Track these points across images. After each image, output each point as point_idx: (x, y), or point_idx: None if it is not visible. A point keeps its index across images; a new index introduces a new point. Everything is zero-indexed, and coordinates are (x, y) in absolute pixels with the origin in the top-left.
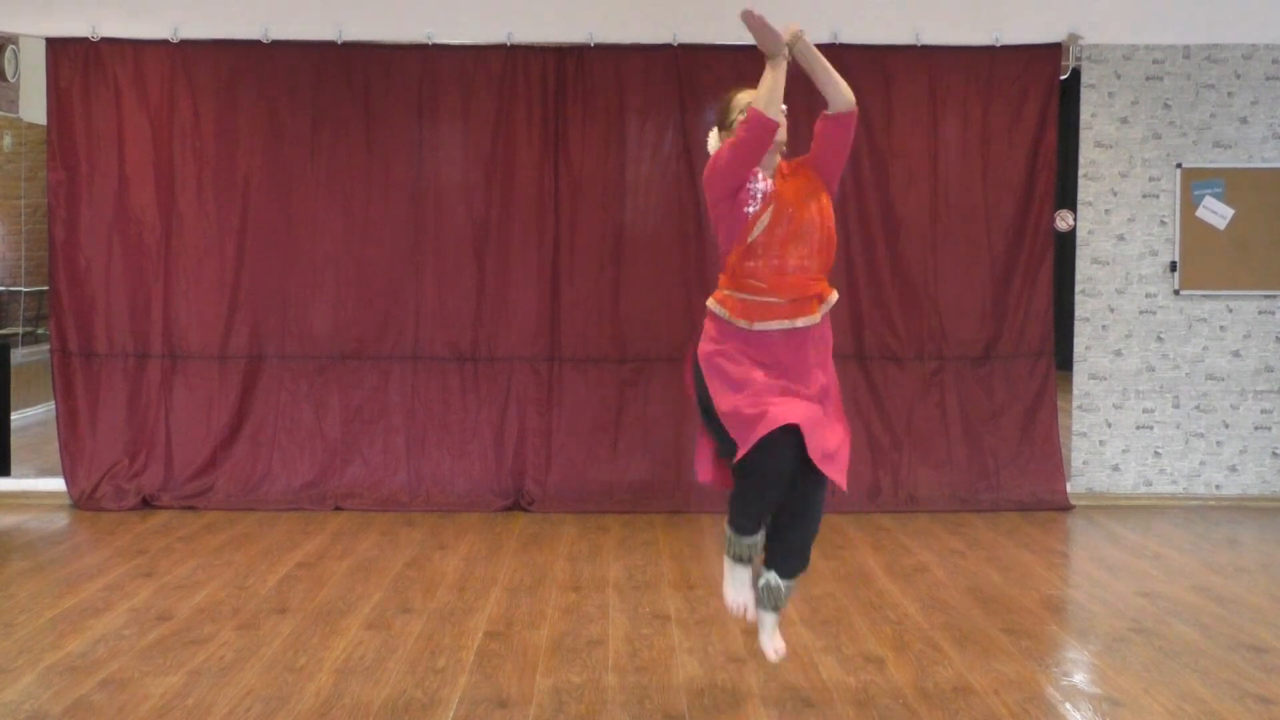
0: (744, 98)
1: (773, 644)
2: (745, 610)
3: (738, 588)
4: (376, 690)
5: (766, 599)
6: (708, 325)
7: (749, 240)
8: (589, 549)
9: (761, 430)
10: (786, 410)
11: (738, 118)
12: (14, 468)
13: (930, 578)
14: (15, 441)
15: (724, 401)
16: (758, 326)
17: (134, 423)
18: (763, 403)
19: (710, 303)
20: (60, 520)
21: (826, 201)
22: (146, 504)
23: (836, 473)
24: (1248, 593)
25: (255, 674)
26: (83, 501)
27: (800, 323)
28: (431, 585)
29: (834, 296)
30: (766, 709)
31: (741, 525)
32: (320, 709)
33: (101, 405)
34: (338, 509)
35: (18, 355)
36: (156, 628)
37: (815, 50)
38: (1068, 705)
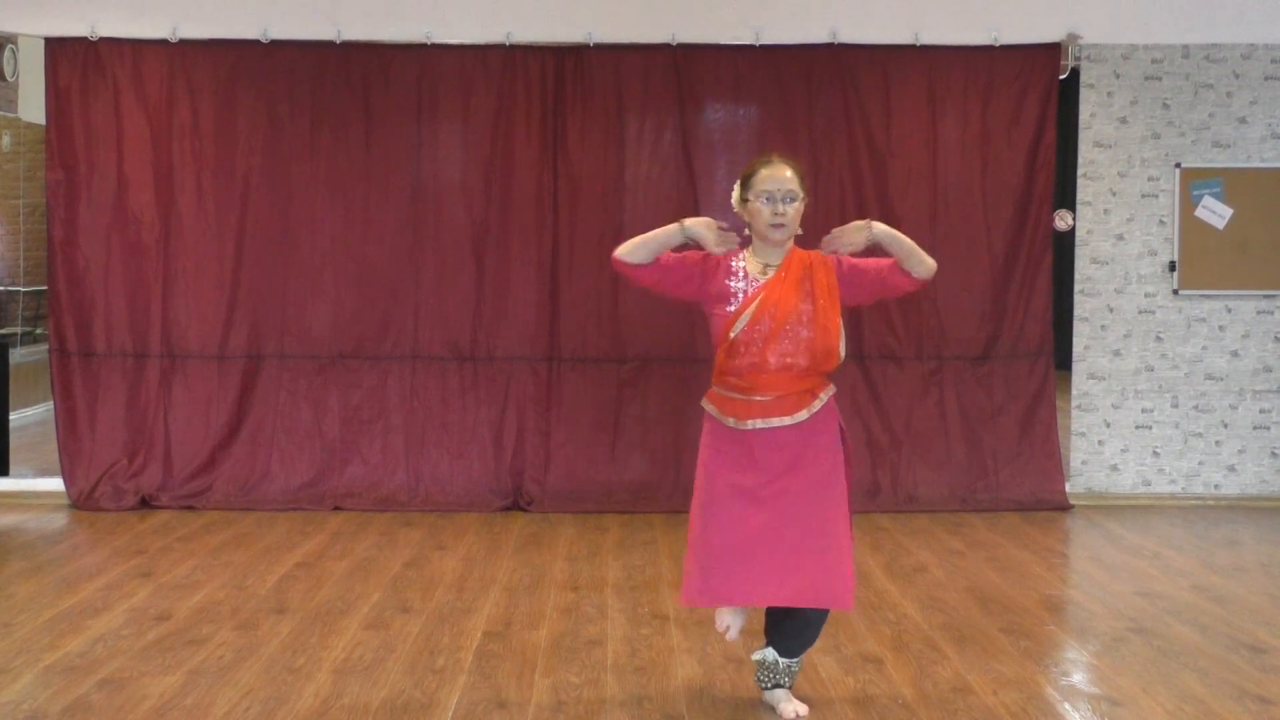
0: (764, 174)
1: (791, 708)
2: (727, 630)
3: (732, 612)
4: (375, 690)
5: (767, 676)
6: (705, 423)
7: (730, 338)
8: (588, 549)
9: (698, 600)
10: (725, 582)
11: (748, 197)
12: (12, 467)
13: (929, 578)
14: (14, 441)
15: (695, 519)
16: (747, 425)
17: (133, 422)
18: (715, 553)
19: (703, 401)
20: (59, 520)
21: (826, 302)
22: (145, 504)
23: (834, 600)
24: (1247, 592)
25: (254, 674)
26: (81, 501)
27: (787, 420)
28: (430, 585)
29: (826, 393)
30: (766, 709)
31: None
32: (319, 709)
33: (100, 405)
34: (336, 509)
35: (16, 355)
36: (155, 628)
37: (894, 233)
38: (1066, 705)
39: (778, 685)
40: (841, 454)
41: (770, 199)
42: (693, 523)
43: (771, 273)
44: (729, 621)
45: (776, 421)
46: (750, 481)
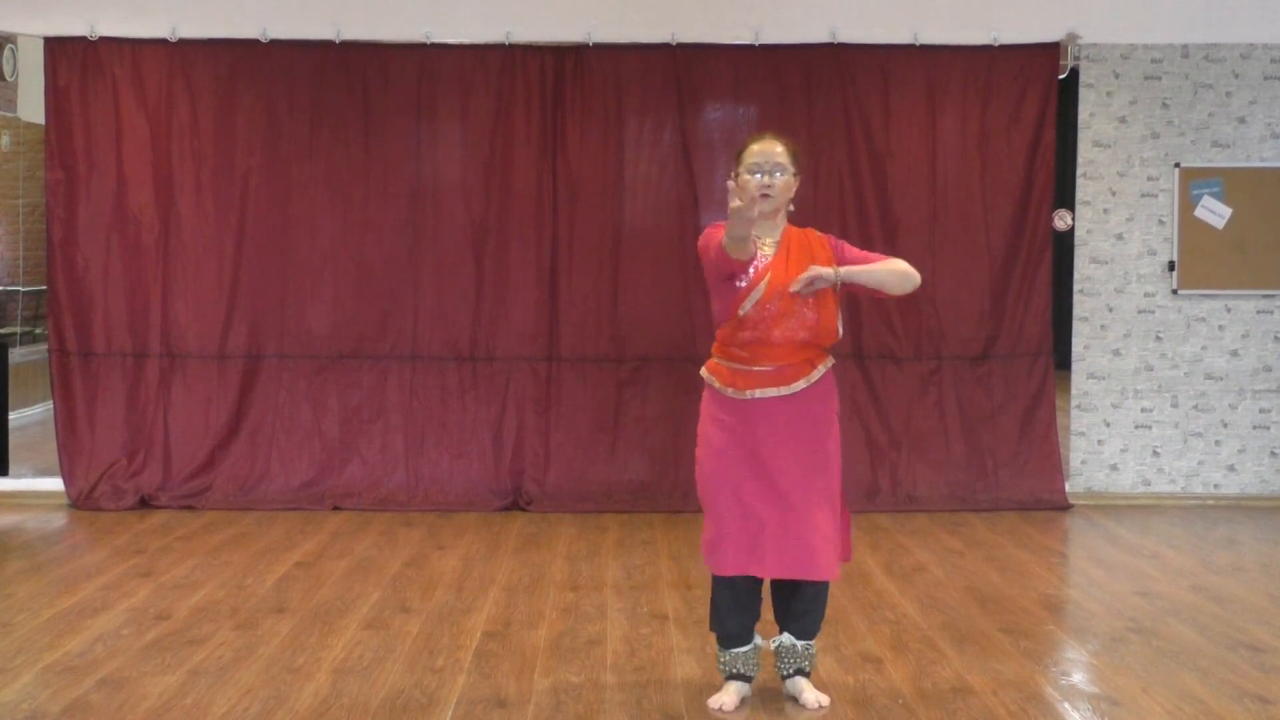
0: (754, 149)
1: (814, 697)
2: (721, 706)
3: (723, 690)
4: (374, 690)
5: (787, 662)
6: (704, 394)
7: (740, 314)
8: (587, 549)
9: (714, 567)
10: (736, 554)
11: (739, 171)
12: (12, 467)
13: (928, 577)
14: (13, 441)
15: (701, 491)
16: (746, 395)
17: (132, 422)
18: (724, 524)
19: (703, 371)
20: (58, 520)
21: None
22: (145, 504)
23: (819, 571)
24: (1246, 592)
25: (253, 674)
26: (81, 501)
27: (786, 390)
28: (430, 585)
29: (824, 365)
30: (765, 708)
31: (720, 636)
32: (318, 709)
33: (100, 405)
34: (336, 509)
35: (16, 355)
36: (155, 627)
37: (855, 270)
38: (1066, 705)
39: (799, 671)
40: (837, 427)
41: (759, 170)
42: (700, 492)
43: (771, 249)
44: (724, 701)
45: (774, 391)
46: (747, 451)
